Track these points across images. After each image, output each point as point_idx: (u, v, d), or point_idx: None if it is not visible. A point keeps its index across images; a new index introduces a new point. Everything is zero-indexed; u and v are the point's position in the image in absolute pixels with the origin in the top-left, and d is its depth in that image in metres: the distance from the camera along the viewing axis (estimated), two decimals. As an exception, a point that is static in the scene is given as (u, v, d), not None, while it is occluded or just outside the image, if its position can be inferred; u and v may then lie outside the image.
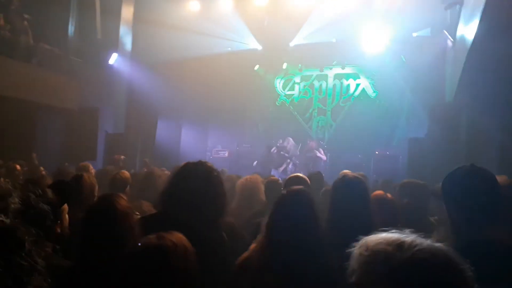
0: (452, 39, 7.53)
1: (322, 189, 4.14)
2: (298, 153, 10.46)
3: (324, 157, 9.94)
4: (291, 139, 10.38)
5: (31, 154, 7.63)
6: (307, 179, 3.59)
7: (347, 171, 4.99)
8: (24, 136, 7.80)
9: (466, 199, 1.75)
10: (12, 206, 1.23)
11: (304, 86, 13.07)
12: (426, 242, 1.02)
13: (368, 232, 1.14)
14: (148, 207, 3.21)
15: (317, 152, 9.73)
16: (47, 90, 7.99)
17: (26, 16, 7.54)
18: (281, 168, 9.64)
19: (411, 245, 1.00)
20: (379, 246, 1.04)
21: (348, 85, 12.46)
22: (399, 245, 1.01)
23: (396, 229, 1.11)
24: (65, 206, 2.24)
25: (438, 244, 1.02)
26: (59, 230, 2.06)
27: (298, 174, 3.73)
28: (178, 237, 1.45)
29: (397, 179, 8.55)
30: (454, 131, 6.74)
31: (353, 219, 2.12)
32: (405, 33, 10.66)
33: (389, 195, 3.06)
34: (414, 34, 10.58)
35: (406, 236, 1.04)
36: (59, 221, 2.07)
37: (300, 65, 12.81)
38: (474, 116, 6.51)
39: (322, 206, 2.29)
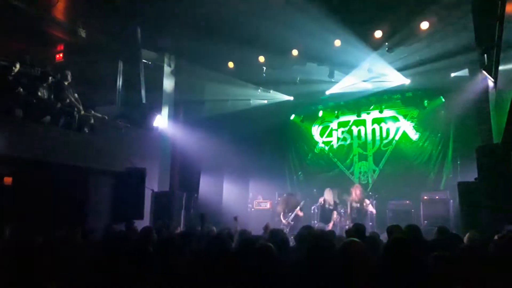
0: (492, 79, 7.37)
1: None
2: (338, 201, 10.20)
3: (374, 211, 9.64)
4: (329, 189, 10.14)
5: (84, 220, 8.01)
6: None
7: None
8: (76, 200, 8.22)
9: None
10: None
11: (342, 132, 13.05)
12: None
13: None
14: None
15: (368, 207, 9.45)
16: (97, 154, 8.48)
17: (78, 88, 8.23)
18: (331, 224, 9.44)
19: None
20: None
21: (388, 129, 12.31)
22: None
23: None
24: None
25: None
26: None
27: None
28: None
29: (451, 225, 8.23)
30: (506, 174, 6.43)
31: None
32: (442, 73, 10.58)
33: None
34: (452, 75, 10.47)
35: None
36: None
37: (336, 111, 12.89)
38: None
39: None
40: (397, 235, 3.79)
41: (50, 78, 7.95)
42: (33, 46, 8.33)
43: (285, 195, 10.93)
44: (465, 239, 4.57)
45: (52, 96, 7.84)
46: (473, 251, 3.61)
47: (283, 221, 9.84)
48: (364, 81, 11.43)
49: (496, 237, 4.54)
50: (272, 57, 10.77)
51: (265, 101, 12.99)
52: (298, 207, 9.90)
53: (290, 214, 9.90)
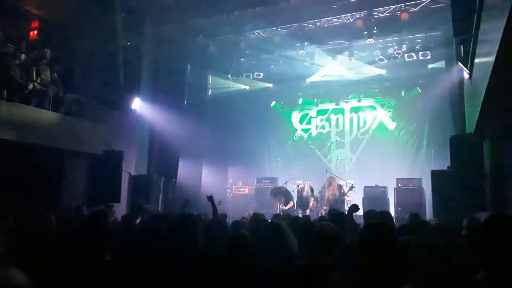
0: (468, 71, 7.57)
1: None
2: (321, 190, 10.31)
3: (351, 198, 9.81)
4: (306, 180, 10.23)
5: (58, 199, 7.89)
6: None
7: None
8: (52, 181, 8.05)
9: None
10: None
11: (321, 120, 13.19)
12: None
13: None
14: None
15: (345, 195, 9.60)
16: (73, 136, 8.30)
17: (56, 68, 7.98)
18: (307, 211, 9.55)
19: None
20: None
21: (365, 118, 12.52)
22: None
23: None
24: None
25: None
26: None
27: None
28: None
29: (423, 212, 8.51)
30: (478, 163, 6.67)
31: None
32: (420, 65, 10.81)
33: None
34: (430, 66, 10.70)
35: None
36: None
37: (316, 99, 12.99)
38: (497, 148, 6.46)
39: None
40: (372, 221, 3.92)
41: (23, 55, 7.66)
42: (5, 22, 7.97)
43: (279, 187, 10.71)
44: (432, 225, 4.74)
45: (26, 74, 7.56)
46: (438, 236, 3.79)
47: (285, 208, 9.71)
48: (344, 69, 11.53)
49: (464, 223, 4.73)
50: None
51: (247, 87, 12.96)
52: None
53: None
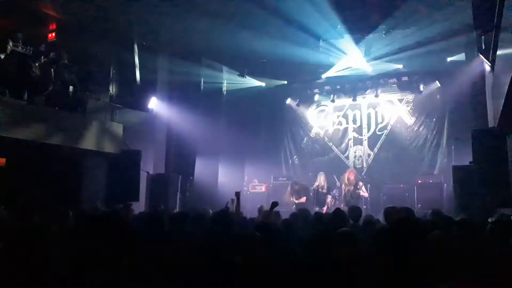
0: (490, 64, 7.37)
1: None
2: (338, 183, 10.28)
3: (366, 195, 9.70)
4: (322, 173, 10.20)
5: (78, 199, 8.01)
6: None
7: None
8: (72, 181, 8.18)
9: None
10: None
11: (338, 116, 13.04)
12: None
13: None
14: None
15: (360, 191, 9.48)
16: (92, 136, 8.42)
17: (74, 69, 8.11)
18: (325, 208, 9.49)
19: None
20: None
21: (383, 113, 12.32)
22: None
23: None
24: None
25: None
26: None
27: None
28: None
29: (444, 209, 8.33)
30: (501, 158, 6.48)
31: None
32: (439, 57, 10.57)
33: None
34: (449, 59, 10.45)
35: None
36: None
37: (332, 95, 12.84)
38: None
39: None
40: (400, 216, 3.86)
41: (42, 57, 7.79)
42: (25, 25, 8.13)
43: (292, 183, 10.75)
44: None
45: (45, 76, 7.69)
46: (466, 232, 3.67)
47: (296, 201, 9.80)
48: (361, 64, 11.36)
49: (489, 220, 4.60)
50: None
51: (262, 84, 12.90)
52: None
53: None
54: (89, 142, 8.34)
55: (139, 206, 8.50)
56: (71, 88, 8.03)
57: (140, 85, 9.72)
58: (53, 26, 8.69)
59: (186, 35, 10.29)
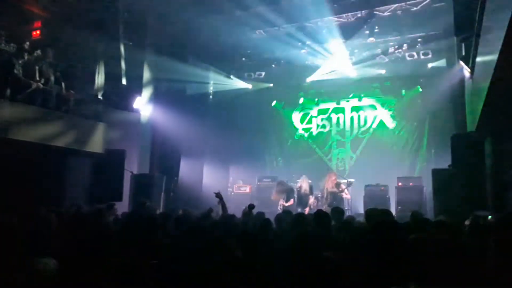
0: (469, 70, 7.61)
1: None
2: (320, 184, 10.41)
3: (349, 197, 9.86)
4: (304, 177, 10.27)
5: (60, 198, 7.91)
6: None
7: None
8: (54, 180, 8.08)
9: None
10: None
11: (322, 119, 13.22)
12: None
13: None
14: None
15: (342, 193, 9.61)
16: (76, 135, 8.33)
17: (59, 68, 8.01)
18: (307, 209, 9.56)
19: None
20: None
21: (366, 117, 12.56)
22: None
23: None
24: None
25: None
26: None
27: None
28: None
29: (424, 211, 8.53)
30: (478, 162, 6.70)
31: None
32: (420, 64, 10.85)
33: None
34: (430, 65, 10.74)
35: None
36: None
37: (317, 98, 13.03)
38: (499, 146, 6.49)
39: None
40: (373, 219, 3.98)
41: (26, 55, 7.68)
42: (8, 23, 7.99)
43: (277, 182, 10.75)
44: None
45: (29, 74, 7.58)
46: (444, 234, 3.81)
47: (285, 204, 9.76)
48: (345, 68, 11.57)
49: (466, 222, 4.76)
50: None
51: (249, 86, 13.01)
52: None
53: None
54: (72, 141, 8.24)
55: (123, 206, 8.44)
56: (55, 86, 7.92)
57: (125, 85, 9.67)
58: (38, 24, 8.57)
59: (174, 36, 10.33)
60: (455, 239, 3.67)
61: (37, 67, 7.61)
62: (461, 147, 7.18)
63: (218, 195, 5.37)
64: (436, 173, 7.94)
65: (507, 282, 2.03)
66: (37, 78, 7.61)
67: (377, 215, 5.03)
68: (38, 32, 8.51)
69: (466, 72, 8.12)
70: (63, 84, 8.05)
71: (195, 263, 2.84)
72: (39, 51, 7.83)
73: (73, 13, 8.62)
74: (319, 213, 4.73)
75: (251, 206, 5.30)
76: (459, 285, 2.47)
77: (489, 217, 6.08)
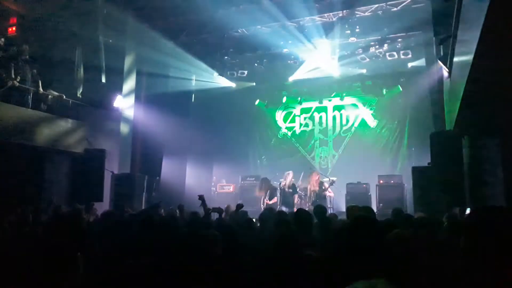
0: (447, 70, 7.75)
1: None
2: (300, 182, 10.45)
3: (332, 195, 9.95)
4: (290, 172, 10.25)
5: (39, 199, 7.74)
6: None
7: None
8: (32, 180, 7.90)
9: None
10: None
11: (305, 118, 13.30)
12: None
13: None
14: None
15: (326, 192, 9.66)
16: (54, 134, 8.16)
17: (35, 65, 7.83)
18: (295, 209, 9.57)
19: None
20: None
21: (348, 116, 12.69)
22: None
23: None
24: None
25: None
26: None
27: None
28: None
29: (405, 208, 8.67)
30: (457, 159, 6.83)
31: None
32: (401, 63, 11.01)
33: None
34: (410, 65, 10.90)
35: None
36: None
37: (299, 97, 13.09)
38: (475, 144, 6.64)
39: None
40: (359, 213, 4.02)
41: (1, 52, 7.48)
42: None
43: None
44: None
45: (4, 71, 7.39)
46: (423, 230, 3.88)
47: (269, 202, 9.74)
48: (327, 67, 11.64)
49: (444, 218, 4.86)
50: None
51: (232, 85, 12.98)
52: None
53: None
54: (51, 140, 8.07)
55: (103, 207, 8.31)
56: (32, 84, 7.74)
57: (105, 83, 9.51)
58: (13, 20, 8.35)
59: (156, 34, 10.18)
60: (433, 235, 3.75)
61: (12, 65, 7.41)
62: (439, 145, 7.31)
63: (201, 197, 5.45)
64: (415, 170, 8.07)
65: (475, 281, 2.07)
66: (13, 76, 7.42)
67: (357, 211, 5.11)
68: (14, 28, 8.29)
69: (445, 71, 8.28)
70: (40, 82, 7.86)
71: (173, 262, 2.82)
72: (14, 48, 7.63)
73: (51, 9, 8.42)
74: (300, 212, 4.76)
75: (240, 206, 5.35)
76: (433, 280, 2.52)
77: (468, 210, 6.26)
